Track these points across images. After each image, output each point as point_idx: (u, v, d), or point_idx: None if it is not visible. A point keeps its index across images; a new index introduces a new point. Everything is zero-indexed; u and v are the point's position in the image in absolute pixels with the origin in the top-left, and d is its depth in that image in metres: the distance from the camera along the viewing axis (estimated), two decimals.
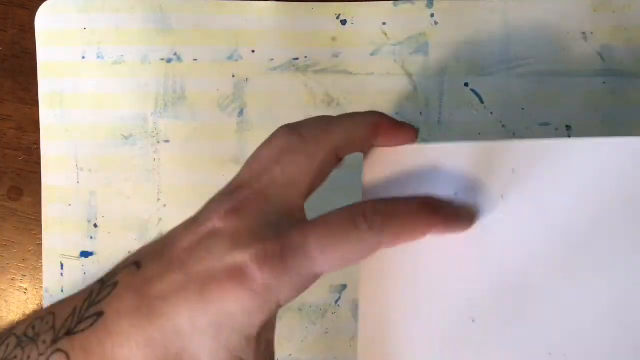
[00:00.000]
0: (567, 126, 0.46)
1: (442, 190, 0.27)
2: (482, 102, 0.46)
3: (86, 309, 0.26)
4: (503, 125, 0.46)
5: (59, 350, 0.26)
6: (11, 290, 0.47)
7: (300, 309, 0.45)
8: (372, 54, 0.46)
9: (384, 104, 0.46)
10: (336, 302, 0.46)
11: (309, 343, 0.46)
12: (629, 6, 0.46)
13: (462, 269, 0.27)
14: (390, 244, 0.26)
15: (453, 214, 0.27)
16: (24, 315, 0.46)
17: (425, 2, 0.46)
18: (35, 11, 0.46)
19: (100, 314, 0.26)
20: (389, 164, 0.29)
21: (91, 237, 0.46)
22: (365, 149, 0.31)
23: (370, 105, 0.46)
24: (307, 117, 0.46)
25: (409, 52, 0.46)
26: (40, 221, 0.46)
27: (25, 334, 0.27)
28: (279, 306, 0.26)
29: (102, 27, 0.46)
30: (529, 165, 0.27)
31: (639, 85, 0.46)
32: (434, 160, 0.28)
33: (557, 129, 0.46)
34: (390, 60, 0.46)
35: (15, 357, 0.26)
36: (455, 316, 0.28)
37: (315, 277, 0.26)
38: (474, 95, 0.46)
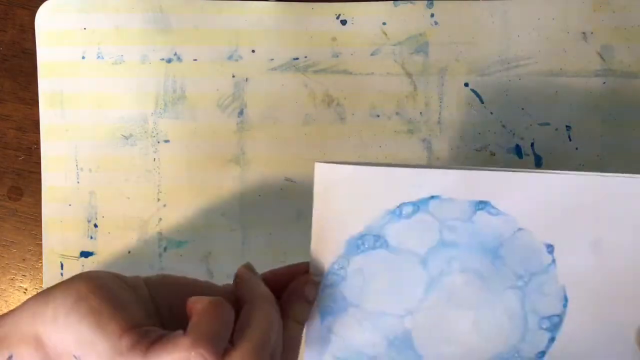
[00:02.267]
0: (567, 126, 0.46)
1: (380, 206, 0.34)
2: (482, 102, 0.46)
3: None
4: (503, 125, 0.46)
5: None
6: (11, 290, 0.47)
7: None
8: (372, 54, 0.46)
9: (384, 104, 0.46)
10: None
11: None
12: (629, 6, 0.46)
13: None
14: None
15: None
16: None
17: (425, 2, 0.46)
18: (35, 11, 0.46)
19: None
20: (337, 181, 0.34)
21: (91, 237, 0.46)
22: None
23: (371, 105, 0.46)
24: (307, 117, 0.46)
25: (409, 52, 0.46)
26: (40, 221, 0.46)
27: None
28: None
29: (102, 27, 0.46)
30: (449, 190, 0.34)
31: (639, 85, 0.46)
32: (372, 180, 0.35)
33: (557, 129, 0.46)
34: (390, 60, 0.46)
35: None
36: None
37: None
38: (474, 95, 0.46)
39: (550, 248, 0.35)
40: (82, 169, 0.46)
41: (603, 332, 0.36)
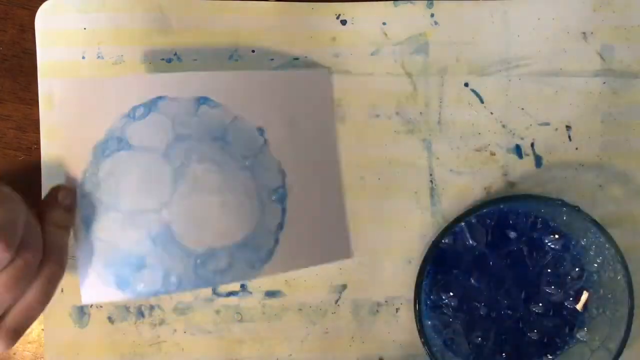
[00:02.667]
0: (567, 126, 0.46)
1: (116, 112, 0.40)
2: (482, 102, 0.46)
3: None
4: (503, 125, 0.46)
5: None
6: None
7: (300, 309, 0.45)
8: (372, 54, 0.46)
9: (384, 104, 0.46)
10: (336, 302, 0.46)
11: (309, 343, 0.46)
12: (629, 6, 0.46)
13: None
14: None
15: None
16: None
17: (425, 2, 0.46)
18: (35, 11, 0.46)
19: None
20: (75, 94, 0.40)
21: None
22: None
23: (371, 105, 0.46)
24: None
25: (409, 52, 0.46)
26: None
27: None
28: None
29: (102, 27, 0.46)
30: (173, 91, 0.41)
31: (639, 85, 0.46)
32: (105, 90, 0.40)
33: (557, 129, 0.46)
34: (390, 60, 0.46)
35: None
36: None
37: None
38: (474, 95, 0.46)
39: (261, 131, 0.42)
40: None
41: (314, 192, 0.44)
